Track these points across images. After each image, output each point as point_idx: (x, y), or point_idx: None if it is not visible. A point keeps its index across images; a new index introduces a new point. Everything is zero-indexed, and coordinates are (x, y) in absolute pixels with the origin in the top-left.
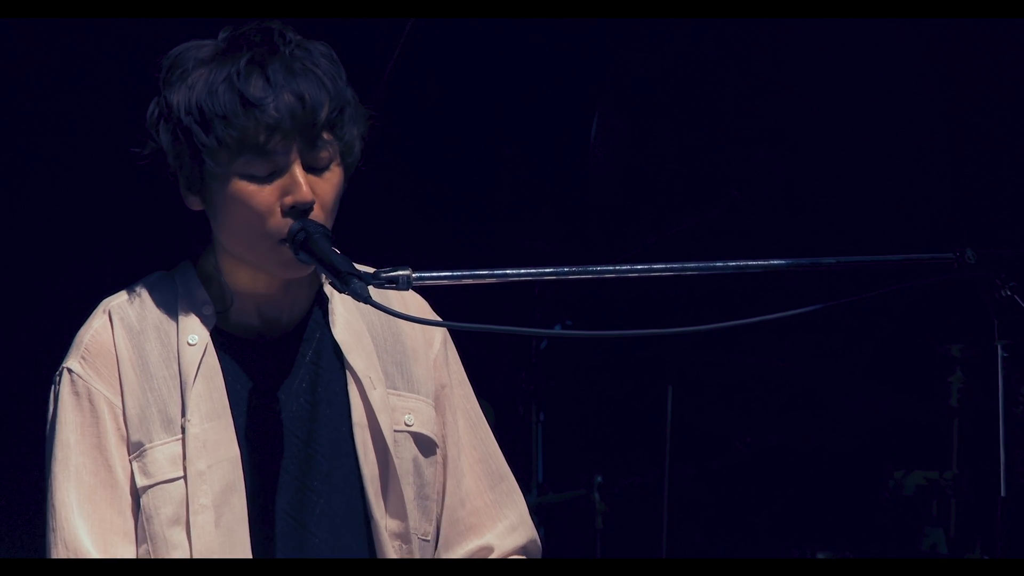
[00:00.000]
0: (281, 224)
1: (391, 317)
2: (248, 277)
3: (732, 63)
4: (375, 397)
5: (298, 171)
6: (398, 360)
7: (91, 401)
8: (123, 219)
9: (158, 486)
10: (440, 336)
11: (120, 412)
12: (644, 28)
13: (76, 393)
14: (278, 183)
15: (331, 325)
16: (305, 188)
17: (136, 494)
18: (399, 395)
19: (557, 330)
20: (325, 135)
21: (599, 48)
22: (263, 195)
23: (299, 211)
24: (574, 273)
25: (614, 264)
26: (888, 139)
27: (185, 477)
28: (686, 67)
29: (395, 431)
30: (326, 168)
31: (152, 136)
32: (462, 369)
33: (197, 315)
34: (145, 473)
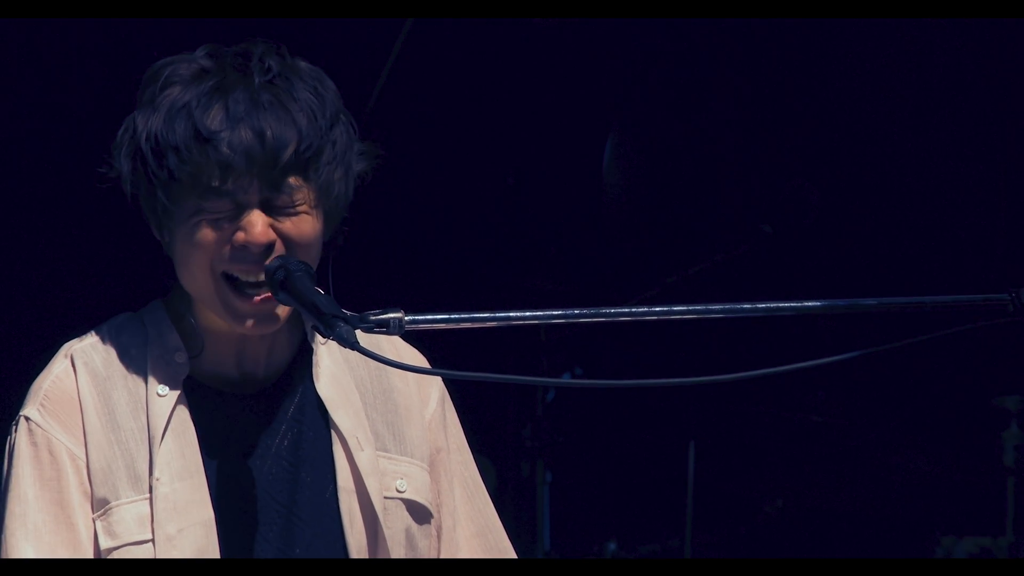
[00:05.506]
0: (229, 264)
1: (381, 373)
2: (221, 318)
3: (765, 84)
4: (362, 459)
5: (256, 212)
6: (389, 420)
7: (51, 453)
8: (86, 251)
9: (124, 548)
10: (437, 394)
11: (83, 465)
12: (665, 40)
13: (35, 444)
14: (234, 222)
15: (315, 379)
16: (260, 230)
17: (99, 556)
18: (390, 458)
19: (566, 379)
20: (292, 178)
21: (613, 64)
22: (214, 234)
23: (252, 253)
24: (585, 316)
25: (630, 306)
26: (935, 168)
27: (153, 541)
28: (713, 86)
29: (385, 497)
30: (293, 211)
31: (116, 158)
32: (461, 432)
33: (168, 363)
34: (110, 534)
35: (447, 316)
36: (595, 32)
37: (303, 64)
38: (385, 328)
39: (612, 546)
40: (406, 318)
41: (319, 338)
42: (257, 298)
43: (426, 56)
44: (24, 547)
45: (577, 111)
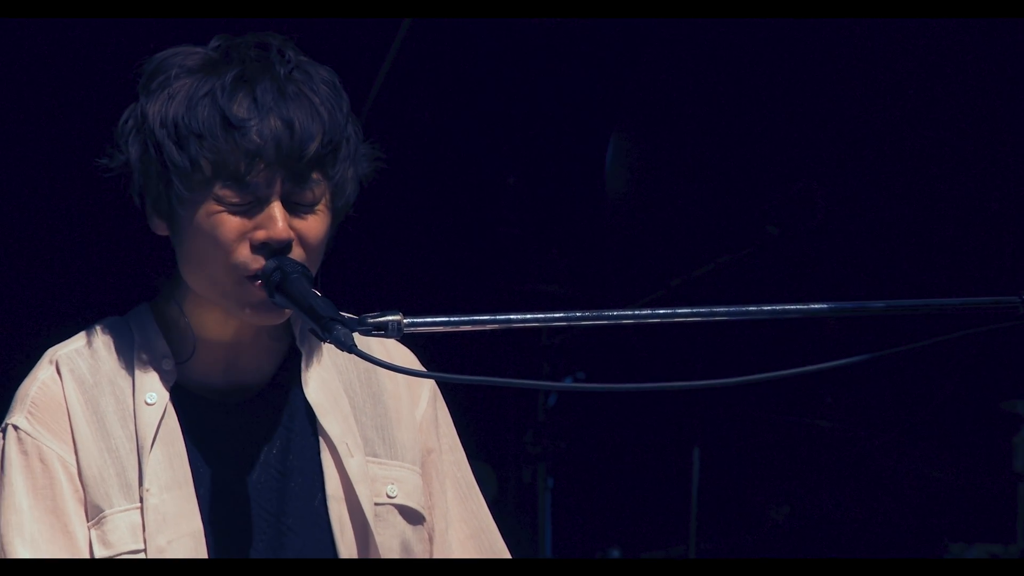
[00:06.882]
0: (249, 260)
1: (370, 376)
2: (216, 321)
3: (770, 84)
4: (352, 466)
5: (276, 206)
6: (379, 424)
7: (42, 460)
8: (70, 252)
9: (120, 558)
10: (427, 394)
11: (75, 471)
12: (668, 39)
13: (24, 452)
14: (252, 215)
15: (303, 384)
16: (282, 225)
17: None
18: (380, 463)
19: (567, 383)
20: (313, 172)
21: (617, 62)
22: (234, 226)
23: (272, 249)
24: (587, 319)
25: (633, 308)
26: (944, 169)
27: (145, 551)
28: (718, 85)
29: (376, 504)
30: (312, 207)
31: (121, 147)
32: (454, 432)
33: (155, 370)
34: (104, 543)
35: (446, 319)
36: (596, 32)
37: (309, 60)
38: (384, 331)
39: (615, 553)
40: (405, 320)
41: (308, 343)
42: (259, 283)
43: (425, 56)
44: (24, 557)
45: (578, 111)
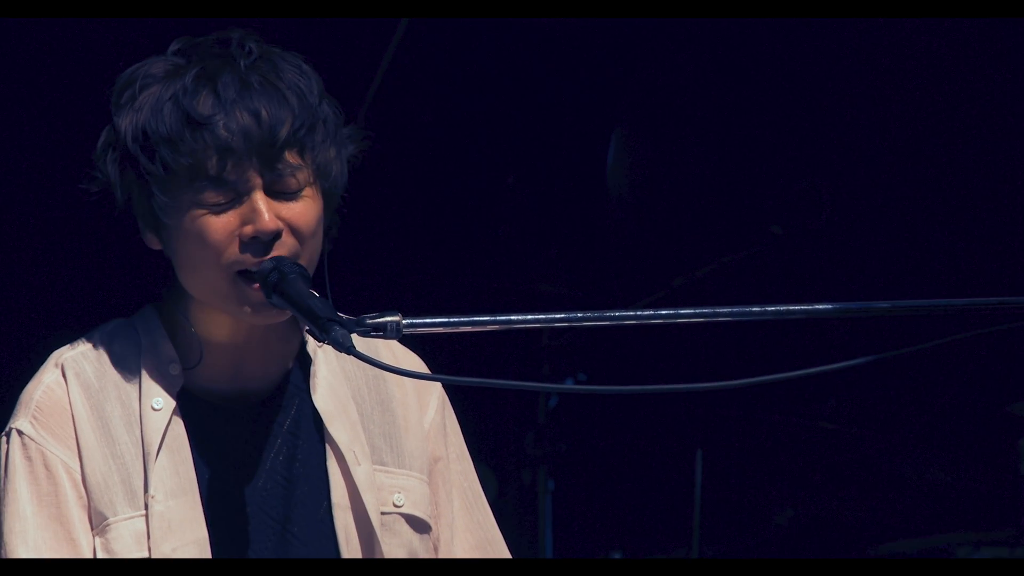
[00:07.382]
0: (242, 257)
1: (379, 383)
2: (220, 325)
3: (774, 81)
4: (359, 474)
5: (259, 198)
6: (387, 432)
7: (47, 467)
8: (76, 252)
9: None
10: (436, 402)
11: (79, 478)
12: (672, 38)
13: (28, 458)
14: (237, 211)
15: (312, 390)
16: (267, 216)
17: None
18: (387, 472)
19: (568, 385)
20: (290, 157)
21: (619, 60)
22: (220, 226)
23: (262, 243)
24: (588, 320)
25: (635, 309)
26: (950, 168)
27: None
28: (721, 83)
29: (383, 513)
30: (297, 193)
31: (100, 169)
32: (461, 440)
33: (162, 375)
34: (108, 551)
35: (446, 319)
36: (597, 31)
37: (278, 49)
38: (382, 332)
39: (616, 556)
40: (404, 321)
41: (317, 349)
42: (257, 284)
43: (424, 55)
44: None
45: (580, 110)
